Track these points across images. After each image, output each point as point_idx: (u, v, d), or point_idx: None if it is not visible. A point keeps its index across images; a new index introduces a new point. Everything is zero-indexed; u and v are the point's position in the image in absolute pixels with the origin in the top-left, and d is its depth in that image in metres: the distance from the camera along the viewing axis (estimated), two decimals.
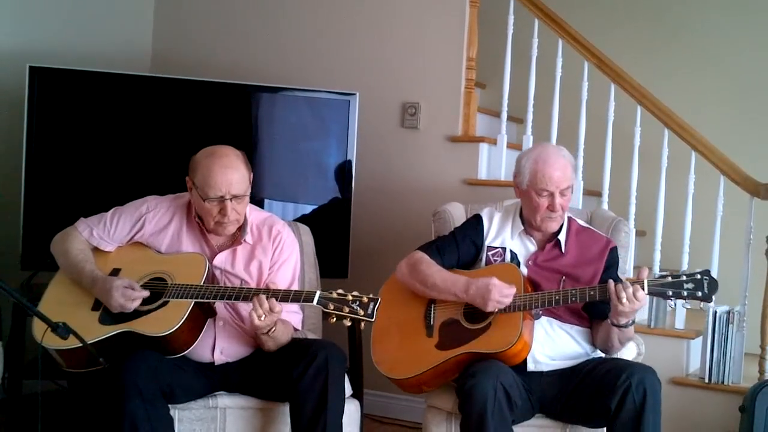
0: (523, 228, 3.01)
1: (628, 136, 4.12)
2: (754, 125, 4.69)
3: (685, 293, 2.66)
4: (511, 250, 3.00)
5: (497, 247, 3.02)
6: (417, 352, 2.89)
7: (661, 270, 3.99)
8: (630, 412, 2.64)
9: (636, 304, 2.67)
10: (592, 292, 2.76)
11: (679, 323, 3.89)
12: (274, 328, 2.71)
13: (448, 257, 3.02)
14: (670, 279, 2.69)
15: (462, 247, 3.04)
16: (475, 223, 3.08)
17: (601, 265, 2.95)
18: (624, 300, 2.66)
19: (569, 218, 3.04)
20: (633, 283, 2.68)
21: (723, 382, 3.71)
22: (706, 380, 3.74)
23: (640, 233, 4.28)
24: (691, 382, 3.78)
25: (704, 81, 4.81)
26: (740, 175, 3.86)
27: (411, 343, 2.93)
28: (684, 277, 2.68)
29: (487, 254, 3.02)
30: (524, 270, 2.95)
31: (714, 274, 3.85)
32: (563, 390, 2.83)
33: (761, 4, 4.73)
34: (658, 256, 4.01)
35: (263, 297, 2.63)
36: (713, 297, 2.68)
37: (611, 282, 2.71)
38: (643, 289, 2.67)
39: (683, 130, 3.96)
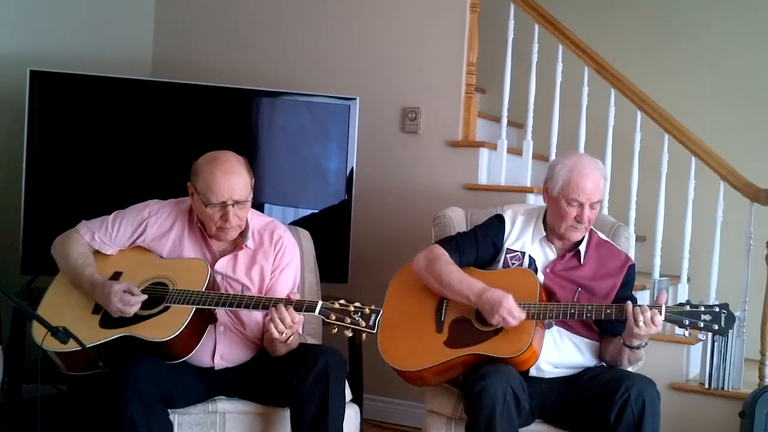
0: (544, 234, 2.99)
1: (628, 141, 4.12)
2: (754, 130, 4.69)
3: (702, 324, 2.66)
4: (530, 255, 2.98)
5: (517, 251, 3.00)
6: (424, 346, 2.87)
7: (661, 276, 4.00)
8: (629, 425, 2.64)
9: (652, 328, 2.66)
10: (608, 311, 2.74)
11: (679, 329, 3.88)
12: (291, 337, 2.71)
13: (467, 255, 2.99)
14: (688, 308, 2.69)
15: (482, 246, 3.01)
16: (497, 223, 3.06)
17: (618, 280, 2.94)
18: (641, 323, 2.65)
19: (590, 230, 3.01)
20: (651, 307, 2.67)
21: (723, 388, 3.70)
22: (706, 386, 3.73)
23: (640, 238, 4.28)
24: (691, 388, 3.78)
25: (704, 86, 4.80)
26: (740, 181, 3.86)
27: (419, 337, 2.90)
28: (702, 308, 2.67)
29: (505, 256, 3.00)
30: (541, 277, 2.93)
31: (714, 279, 3.89)
32: (563, 397, 2.83)
33: (761, 9, 4.74)
34: (658, 261, 4.00)
35: (284, 312, 2.62)
36: (729, 332, 2.67)
37: (629, 304, 2.69)
38: (661, 314, 2.67)
39: (683, 136, 3.96)
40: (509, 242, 3.02)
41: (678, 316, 2.68)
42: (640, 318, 2.65)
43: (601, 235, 3.08)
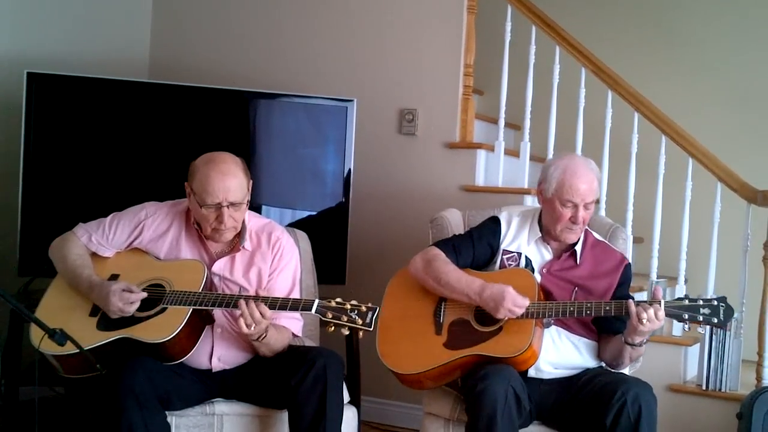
0: (540, 235, 3.00)
1: (625, 143, 4.12)
2: (751, 132, 4.70)
3: (701, 318, 2.67)
4: (526, 256, 2.98)
5: (513, 252, 3.00)
6: (424, 349, 2.86)
7: (658, 277, 4.00)
8: (625, 429, 2.64)
9: (656, 323, 2.68)
10: (607, 308, 2.74)
11: (677, 330, 3.89)
12: (265, 335, 2.70)
13: (464, 257, 2.99)
14: (686, 302, 2.71)
15: (478, 247, 3.02)
16: (492, 225, 3.06)
17: (615, 280, 2.94)
18: (645, 321, 2.65)
19: (586, 231, 3.02)
20: (651, 303, 2.67)
21: (720, 389, 3.70)
22: (704, 387, 3.73)
23: (637, 240, 4.28)
24: (688, 389, 3.78)
25: (701, 87, 4.81)
26: (737, 182, 3.86)
27: (418, 339, 2.90)
28: (701, 302, 2.69)
29: (502, 257, 3.00)
30: (538, 277, 2.93)
31: (711, 281, 3.89)
32: (560, 400, 2.83)
33: (760, 11, 4.74)
34: (655, 263, 4.01)
35: (253, 306, 2.62)
36: (728, 325, 2.68)
37: (631, 302, 2.69)
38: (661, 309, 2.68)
39: (680, 137, 3.97)
40: (505, 243, 3.02)
41: (677, 310, 2.70)
42: (644, 315, 2.65)
43: (597, 236, 3.08)
